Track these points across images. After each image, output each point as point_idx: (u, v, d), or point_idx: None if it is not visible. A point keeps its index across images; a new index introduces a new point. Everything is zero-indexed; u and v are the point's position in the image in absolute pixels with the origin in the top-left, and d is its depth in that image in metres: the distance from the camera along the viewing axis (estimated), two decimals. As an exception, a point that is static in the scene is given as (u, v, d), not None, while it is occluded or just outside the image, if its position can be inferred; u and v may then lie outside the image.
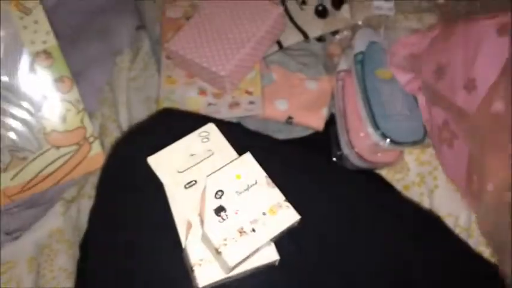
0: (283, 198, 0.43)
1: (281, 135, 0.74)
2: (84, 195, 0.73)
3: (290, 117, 0.74)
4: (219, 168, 0.44)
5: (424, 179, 0.70)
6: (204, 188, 0.43)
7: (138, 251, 0.50)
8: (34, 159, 0.73)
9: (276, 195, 0.43)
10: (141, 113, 0.80)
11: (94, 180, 0.74)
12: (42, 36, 0.72)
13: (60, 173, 0.75)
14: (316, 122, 0.74)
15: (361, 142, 0.70)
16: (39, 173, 0.74)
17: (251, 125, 0.75)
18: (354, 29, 0.80)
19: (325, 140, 0.74)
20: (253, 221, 0.42)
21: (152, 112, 0.80)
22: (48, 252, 0.70)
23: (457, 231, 0.64)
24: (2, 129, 0.72)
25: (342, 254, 0.50)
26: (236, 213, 0.42)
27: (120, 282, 0.50)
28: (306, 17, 0.83)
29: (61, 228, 0.72)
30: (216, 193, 0.42)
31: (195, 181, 0.46)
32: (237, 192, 0.43)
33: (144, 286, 0.48)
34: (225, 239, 0.40)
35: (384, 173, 0.72)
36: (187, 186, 0.46)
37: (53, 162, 0.74)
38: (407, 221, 0.58)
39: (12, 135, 0.72)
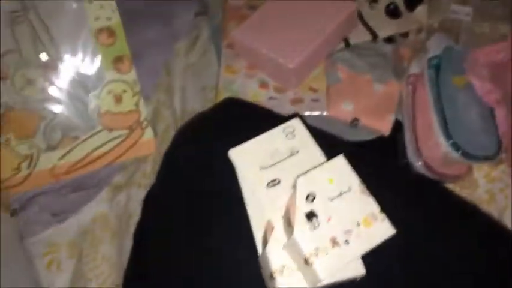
0: (379, 209, 0.39)
1: (344, 137, 0.70)
2: (134, 183, 0.70)
3: (356, 119, 0.70)
4: (309, 170, 0.40)
5: (494, 197, 0.66)
6: (294, 189, 0.39)
7: (205, 250, 0.46)
8: (85, 139, 0.71)
9: (370, 204, 0.39)
10: (197, 100, 0.77)
11: (145, 168, 0.71)
12: (107, 12, 0.69)
13: (109, 156, 0.72)
14: (384, 126, 0.70)
15: (431, 151, 0.66)
16: (88, 154, 0.71)
17: (313, 124, 0.71)
18: (428, 31, 0.76)
19: (391, 146, 0.70)
20: (347, 231, 0.38)
21: (208, 101, 0.77)
22: (91, 238, 0.68)
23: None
24: (55, 106, 0.69)
25: (422, 264, 0.47)
26: (329, 220, 0.38)
27: (182, 279, 0.47)
28: (376, 16, 0.79)
29: (106, 215, 0.69)
30: (308, 196, 0.39)
31: (279, 180, 0.43)
32: (329, 198, 0.39)
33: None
34: (317, 249, 0.37)
35: (449, 187, 0.68)
36: (270, 184, 0.43)
37: (103, 144, 0.71)
38: (478, 229, 0.54)
39: (65, 112, 0.70)
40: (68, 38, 0.69)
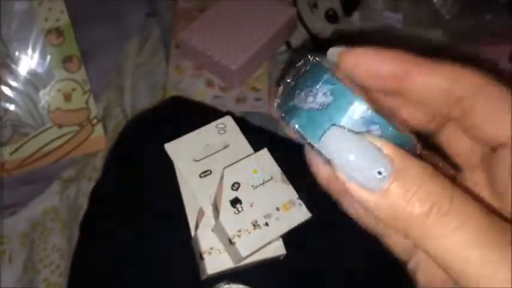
0: (297, 195, 0.44)
1: (283, 132, 0.75)
2: (84, 176, 0.73)
3: (294, 117, 0.75)
4: (236, 161, 0.45)
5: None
6: (221, 179, 0.44)
7: (144, 236, 0.50)
8: (35, 135, 0.73)
9: (290, 192, 0.44)
10: (146, 99, 0.81)
11: (94, 162, 0.74)
12: (56, 14, 0.71)
13: (60, 151, 0.74)
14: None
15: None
16: (39, 149, 0.73)
17: (255, 122, 0.75)
18: (361, 35, 0.82)
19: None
20: (267, 215, 0.43)
21: (157, 99, 0.80)
22: (42, 229, 0.70)
23: None
24: (6, 103, 0.71)
25: (343, 252, 0.52)
26: (251, 206, 0.43)
27: (123, 266, 0.51)
28: (316, 20, 0.85)
29: (56, 207, 0.71)
30: (233, 185, 0.43)
31: (210, 171, 0.47)
32: (252, 186, 0.44)
33: (148, 270, 0.49)
34: (239, 230, 0.42)
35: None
36: (202, 175, 0.47)
37: (54, 140, 0.74)
38: None
39: (16, 109, 0.72)
40: (18, 38, 0.72)
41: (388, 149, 0.20)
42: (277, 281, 0.47)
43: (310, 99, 0.21)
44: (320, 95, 0.21)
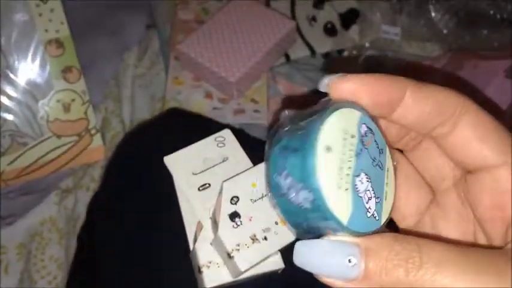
0: (295, 209, 0.44)
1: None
2: (82, 186, 0.73)
3: (293, 130, 0.76)
4: (235, 175, 0.45)
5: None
6: (220, 192, 0.44)
7: (143, 248, 0.50)
8: (34, 145, 0.73)
9: (288, 205, 0.44)
10: (145, 110, 0.81)
11: (92, 172, 0.75)
12: (57, 25, 0.72)
13: (58, 161, 0.75)
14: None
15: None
16: (37, 159, 0.73)
17: (254, 133, 0.76)
18: (361, 49, 0.82)
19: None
20: (266, 229, 0.43)
21: (155, 110, 0.80)
22: (39, 240, 0.70)
23: None
24: (5, 113, 0.72)
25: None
26: (250, 220, 0.43)
27: (121, 277, 0.50)
28: (315, 34, 0.85)
29: (54, 218, 0.71)
30: (232, 199, 0.43)
31: (209, 184, 0.47)
32: (251, 199, 0.44)
33: (146, 282, 0.49)
34: (238, 244, 0.42)
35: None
36: (200, 188, 0.47)
37: (52, 150, 0.74)
38: None
39: (14, 119, 0.72)
40: (17, 48, 0.72)
41: (349, 239, 0.22)
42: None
43: (293, 193, 0.23)
44: (302, 195, 0.22)
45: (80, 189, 0.73)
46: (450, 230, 0.27)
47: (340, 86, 0.24)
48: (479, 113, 0.23)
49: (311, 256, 0.22)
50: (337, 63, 0.84)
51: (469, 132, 0.24)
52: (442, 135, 0.24)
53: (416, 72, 0.74)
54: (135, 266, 0.50)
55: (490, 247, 0.24)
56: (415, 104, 0.24)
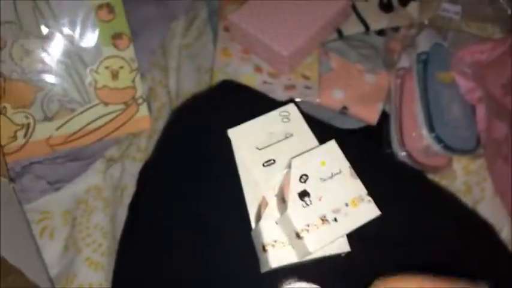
0: (366, 191, 0.42)
1: (333, 124, 0.73)
2: (128, 156, 0.72)
3: (345, 108, 0.73)
4: (303, 152, 0.43)
5: (470, 189, 0.70)
6: (289, 169, 0.42)
7: (199, 224, 0.49)
8: (82, 112, 0.72)
9: (358, 187, 0.42)
10: (191, 81, 0.79)
11: (138, 142, 0.73)
12: (108, -11, 0.70)
13: (105, 129, 0.73)
14: (371, 116, 0.73)
15: (414, 142, 0.70)
16: (85, 126, 0.72)
17: (304, 110, 0.73)
18: (418, 27, 0.79)
19: (377, 135, 0.73)
20: (336, 210, 0.41)
21: (202, 82, 0.79)
22: (84, 207, 0.69)
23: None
24: (53, 77, 0.71)
25: (400, 251, 0.50)
26: (319, 200, 0.41)
27: (175, 251, 0.49)
28: (370, 9, 0.82)
29: (99, 186, 0.71)
30: (301, 177, 0.42)
31: (274, 160, 0.46)
32: (321, 178, 0.42)
33: (203, 258, 0.48)
34: (308, 225, 0.40)
35: (429, 177, 0.72)
36: (265, 164, 0.45)
37: (99, 117, 0.73)
38: (458, 219, 0.57)
39: (63, 84, 0.71)
40: (68, 12, 0.70)
41: None
42: (340, 278, 0.45)
43: None
44: None
45: (127, 159, 0.71)
46: None
47: None
48: None
49: None
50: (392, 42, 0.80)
51: None
52: None
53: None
54: (191, 242, 0.49)
55: None
56: None
